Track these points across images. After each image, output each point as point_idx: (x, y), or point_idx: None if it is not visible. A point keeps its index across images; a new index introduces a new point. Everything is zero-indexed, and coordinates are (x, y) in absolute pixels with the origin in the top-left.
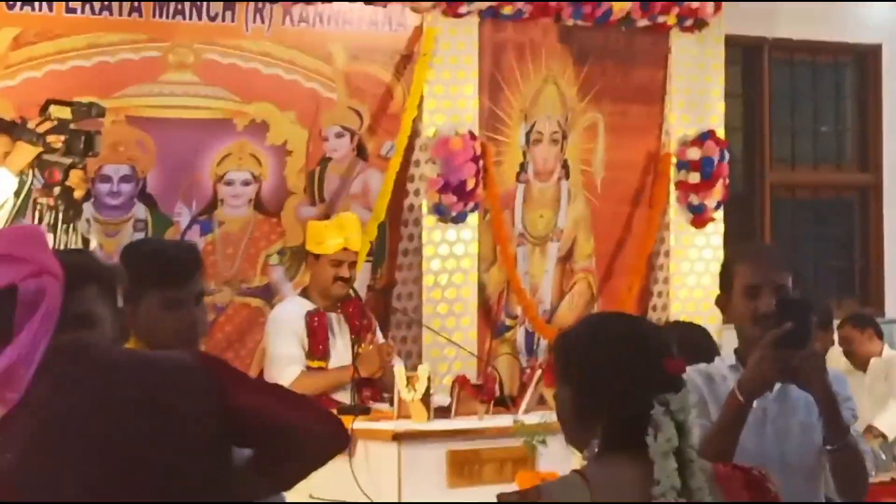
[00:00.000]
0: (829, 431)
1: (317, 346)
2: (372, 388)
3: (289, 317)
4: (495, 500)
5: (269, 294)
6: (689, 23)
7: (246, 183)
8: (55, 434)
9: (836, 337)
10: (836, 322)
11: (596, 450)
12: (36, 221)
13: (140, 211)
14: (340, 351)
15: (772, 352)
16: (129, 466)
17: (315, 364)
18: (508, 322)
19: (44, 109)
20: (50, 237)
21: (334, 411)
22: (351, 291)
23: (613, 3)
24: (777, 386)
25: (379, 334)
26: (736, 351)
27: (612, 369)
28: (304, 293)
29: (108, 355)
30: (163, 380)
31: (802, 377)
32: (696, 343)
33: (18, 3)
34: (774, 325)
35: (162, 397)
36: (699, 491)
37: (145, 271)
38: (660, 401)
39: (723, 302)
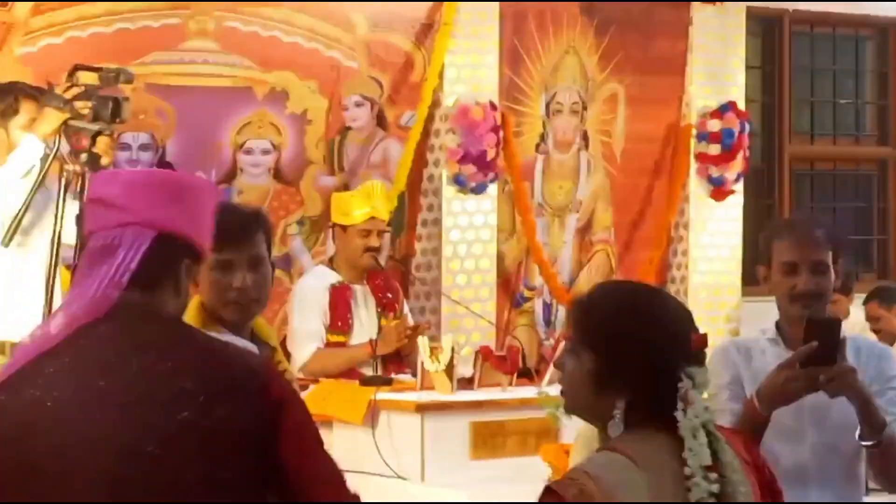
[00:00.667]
0: (865, 429)
1: (337, 320)
2: (397, 361)
3: (312, 291)
4: (546, 485)
5: (287, 264)
6: None
7: (265, 152)
8: (82, 387)
9: (853, 308)
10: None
11: (621, 423)
12: (62, 188)
13: None
14: (365, 324)
15: (797, 371)
16: (139, 454)
17: (336, 338)
18: (527, 293)
19: (71, 75)
20: (76, 204)
21: (356, 382)
22: (379, 263)
23: None
24: None
25: (406, 310)
26: (777, 324)
27: (642, 340)
28: (331, 264)
29: (176, 327)
30: (220, 377)
31: (835, 390)
32: None
33: None
34: (810, 305)
35: (209, 394)
36: (730, 465)
37: None
38: (687, 374)
39: (762, 275)
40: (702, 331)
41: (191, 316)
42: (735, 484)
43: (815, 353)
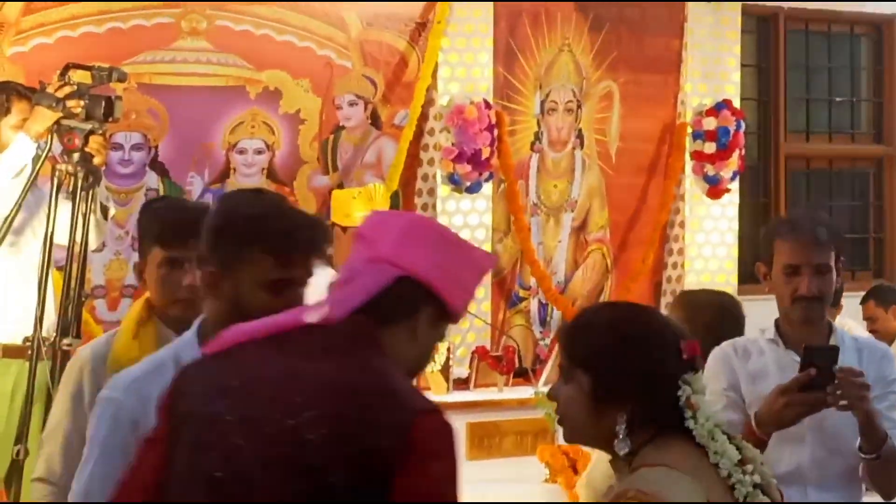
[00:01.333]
0: (865, 442)
1: None
2: None
3: (314, 289)
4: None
5: None
6: None
7: (259, 151)
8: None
9: (841, 318)
10: (846, 294)
11: (627, 439)
12: (55, 188)
13: (152, 180)
14: None
15: (794, 396)
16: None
17: None
18: (522, 293)
19: (63, 74)
20: (68, 204)
21: None
22: None
23: None
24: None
25: None
26: (776, 324)
27: (633, 351)
28: (331, 263)
29: (369, 355)
30: (372, 400)
31: (845, 404)
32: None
33: None
34: (811, 308)
35: (354, 412)
36: (756, 457)
37: (151, 227)
38: (684, 381)
39: (762, 272)
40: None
41: (134, 314)
42: (767, 474)
43: (813, 380)
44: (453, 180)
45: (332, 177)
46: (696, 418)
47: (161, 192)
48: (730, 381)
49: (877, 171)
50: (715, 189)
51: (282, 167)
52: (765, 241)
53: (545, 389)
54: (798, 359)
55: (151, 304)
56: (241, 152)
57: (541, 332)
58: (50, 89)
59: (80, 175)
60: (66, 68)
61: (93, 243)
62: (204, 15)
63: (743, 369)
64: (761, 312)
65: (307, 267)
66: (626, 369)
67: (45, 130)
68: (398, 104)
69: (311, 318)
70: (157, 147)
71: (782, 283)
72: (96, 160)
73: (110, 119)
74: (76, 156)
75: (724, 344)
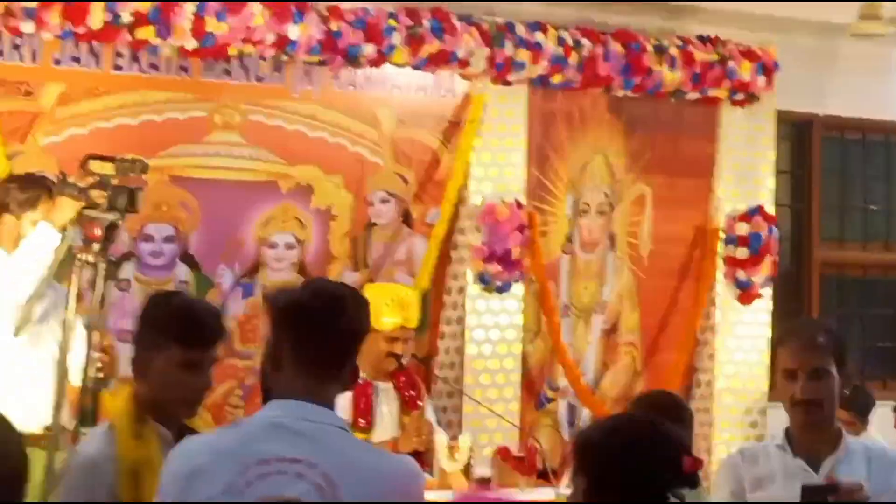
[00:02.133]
0: None
1: (359, 417)
2: (418, 460)
3: None
4: None
5: None
6: (740, 97)
7: (289, 246)
8: None
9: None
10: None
11: None
12: (76, 278)
13: (182, 272)
14: (386, 421)
15: None
16: None
17: (358, 436)
18: (550, 394)
19: (83, 165)
20: (89, 294)
21: None
22: (402, 364)
23: (664, 74)
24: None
25: (430, 409)
26: (786, 430)
27: (624, 460)
28: None
29: None
30: None
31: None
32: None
33: (65, 60)
34: (808, 412)
35: None
36: None
37: (169, 324)
38: (676, 495)
39: (773, 380)
40: (725, 435)
41: (125, 410)
42: None
43: None
44: (484, 280)
45: (363, 273)
46: None
47: (192, 285)
48: (734, 488)
49: None
50: (746, 294)
51: (312, 262)
52: (773, 351)
53: (567, 492)
54: (805, 466)
55: (137, 399)
56: (272, 246)
57: (569, 434)
58: (72, 179)
59: (101, 265)
60: (86, 159)
61: None
62: (237, 109)
63: (749, 475)
64: None
65: None
66: (615, 477)
67: (68, 220)
68: (430, 202)
69: None
70: (188, 239)
71: (783, 388)
72: (116, 251)
73: (132, 210)
74: (96, 246)
75: (735, 450)
